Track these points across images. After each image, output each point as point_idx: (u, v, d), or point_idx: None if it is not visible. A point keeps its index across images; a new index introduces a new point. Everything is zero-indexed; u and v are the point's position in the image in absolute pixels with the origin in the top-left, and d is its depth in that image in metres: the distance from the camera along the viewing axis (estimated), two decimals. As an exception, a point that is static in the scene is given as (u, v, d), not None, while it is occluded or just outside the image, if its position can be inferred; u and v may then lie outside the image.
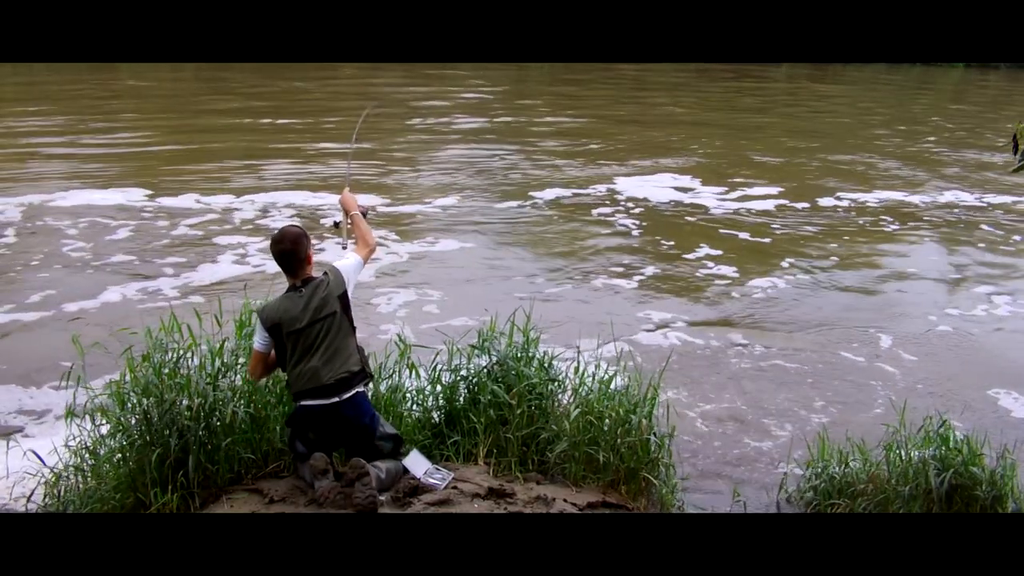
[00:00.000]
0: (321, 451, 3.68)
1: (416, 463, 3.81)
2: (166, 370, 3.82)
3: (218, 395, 3.82)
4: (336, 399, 3.62)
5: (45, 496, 3.90)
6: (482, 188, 12.00)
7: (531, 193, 11.66)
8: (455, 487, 3.77)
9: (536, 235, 9.96)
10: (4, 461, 4.08)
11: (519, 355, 4.33)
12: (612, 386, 4.32)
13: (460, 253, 9.05)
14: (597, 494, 4.01)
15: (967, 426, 4.63)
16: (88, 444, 3.89)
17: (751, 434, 5.39)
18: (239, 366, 4.03)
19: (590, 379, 4.37)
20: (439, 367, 4.40)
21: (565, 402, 4.35)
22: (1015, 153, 4.20)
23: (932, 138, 18.15)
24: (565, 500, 3.85)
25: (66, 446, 3.91)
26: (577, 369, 4.43)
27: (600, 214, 10.85)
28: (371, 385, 4.02)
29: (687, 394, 5.83)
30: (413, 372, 4.41)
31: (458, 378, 4.37)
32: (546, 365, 4.40)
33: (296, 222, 8.94)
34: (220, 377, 3.93)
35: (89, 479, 3.86)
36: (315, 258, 3.87)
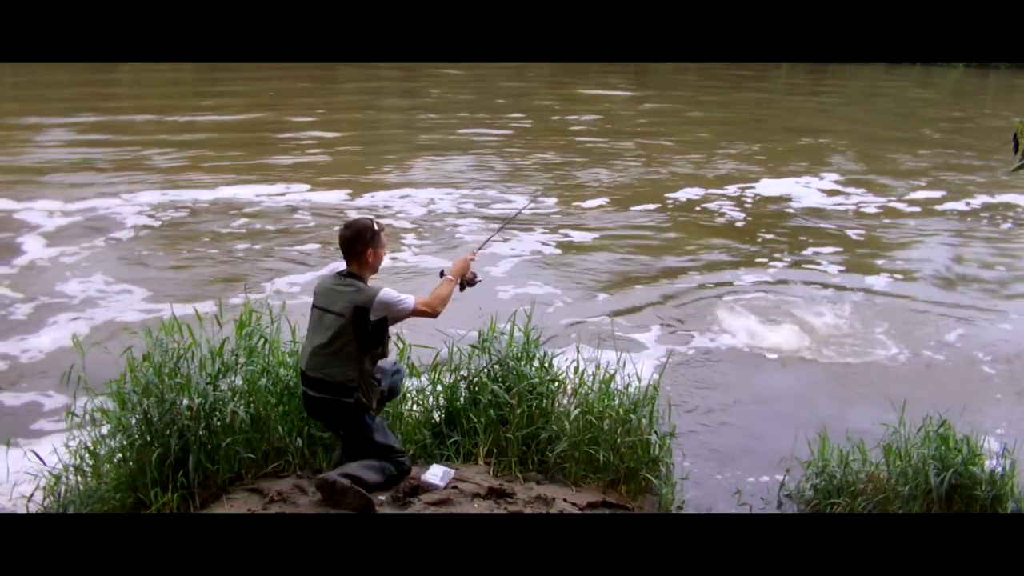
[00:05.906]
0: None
1: (434, 474, 3.82)
2: (166, 370, 3.82)
3: (218, 395, 3.83)
4: (313, 393, 3.62)
5: (45, 496, 3.89)
6: (617, 187, 12.20)
7: (666, 195, 11.79)
8: (455, 487, 3.77)
9: (660, 237, 10.06)
10: (4, 462, 4.08)
11: (519, 355, 4.33)
12: (612, 386, 4.32)
13: (588, 249, 9.31)
14: (597, 494, 4.01)
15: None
16: (88, 444, 3.89)
17: (752, 433, 5.38)
18: (239, 366, 4.03)
19: (590, 378, 4.37)
20: (440, 366, 4.40)
21: (565, 402, 4.35)
22: (1016, 152, 4.17)
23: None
24: (565, 500, 3.85)
25: (66, 446, 3.91)
26: (577, 369, 4.43)
27: (716, 212, 11.08)
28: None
29: (688, 393, 5.83)
30: (413, 372, 4.41)
31: (458, 378, 4.37)
32: (546, 365, 4.40)
33: (370, 216, 9.28)
34: (220, 377, 3.93)
35: (89, 479, 3.87)
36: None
